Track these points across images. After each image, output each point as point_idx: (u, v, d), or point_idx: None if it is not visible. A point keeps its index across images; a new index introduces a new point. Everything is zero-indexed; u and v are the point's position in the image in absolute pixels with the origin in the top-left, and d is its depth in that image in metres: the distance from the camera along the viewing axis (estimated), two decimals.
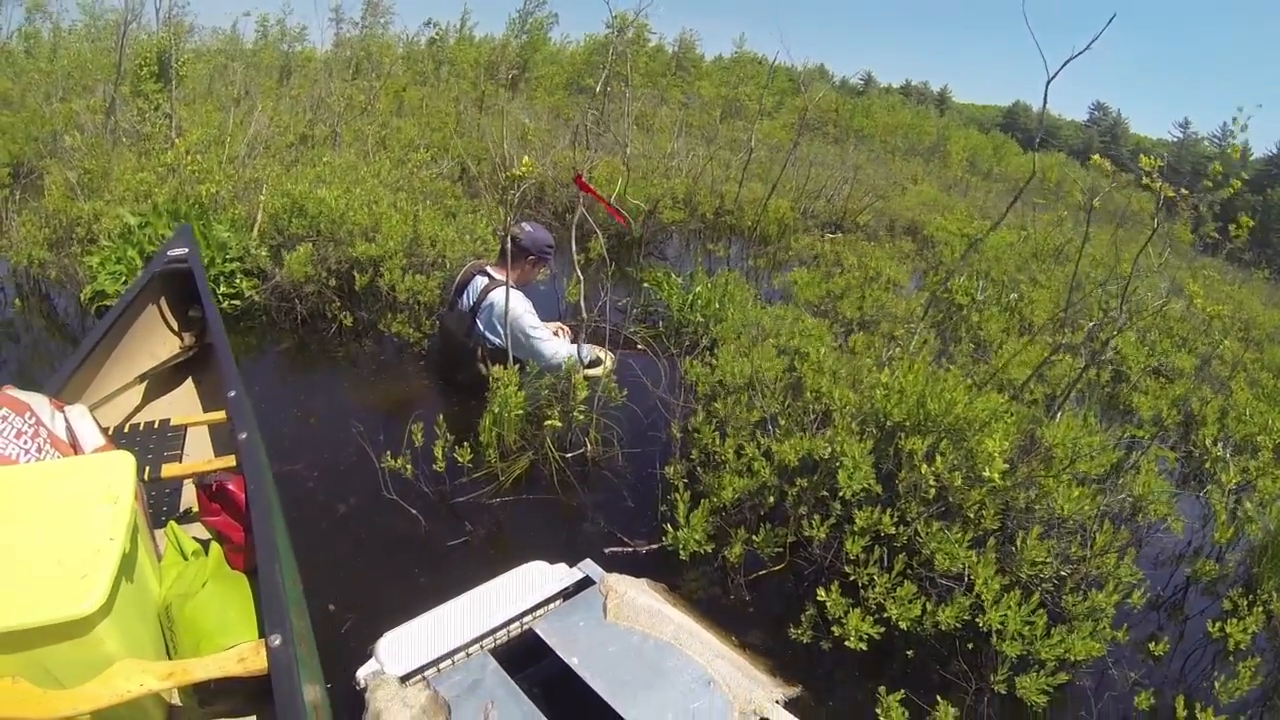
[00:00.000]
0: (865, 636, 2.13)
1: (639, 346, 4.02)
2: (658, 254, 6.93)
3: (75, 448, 1.91)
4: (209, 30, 13.75)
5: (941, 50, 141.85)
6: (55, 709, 1.30)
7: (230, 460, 2.16)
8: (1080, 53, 2.32)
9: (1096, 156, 3.08)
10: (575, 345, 3.50)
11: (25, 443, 1.77)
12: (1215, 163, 3.37)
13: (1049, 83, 2.42)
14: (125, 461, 1.61)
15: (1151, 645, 2.37)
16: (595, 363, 3.52)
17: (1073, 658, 2.10)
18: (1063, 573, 2.30)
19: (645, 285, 4.94)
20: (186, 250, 3.24)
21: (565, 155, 7.79)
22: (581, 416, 3.07)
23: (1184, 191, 2.75)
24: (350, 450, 2.98)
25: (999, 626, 2.09)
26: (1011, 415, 2.60)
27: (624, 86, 7.69)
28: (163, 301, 3.21)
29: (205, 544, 1.88)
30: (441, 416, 2.85)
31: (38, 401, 1.87)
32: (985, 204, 12.02)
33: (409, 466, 2.68)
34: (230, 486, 1.90)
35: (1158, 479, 2.74)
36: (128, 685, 1.35)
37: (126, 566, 1.42)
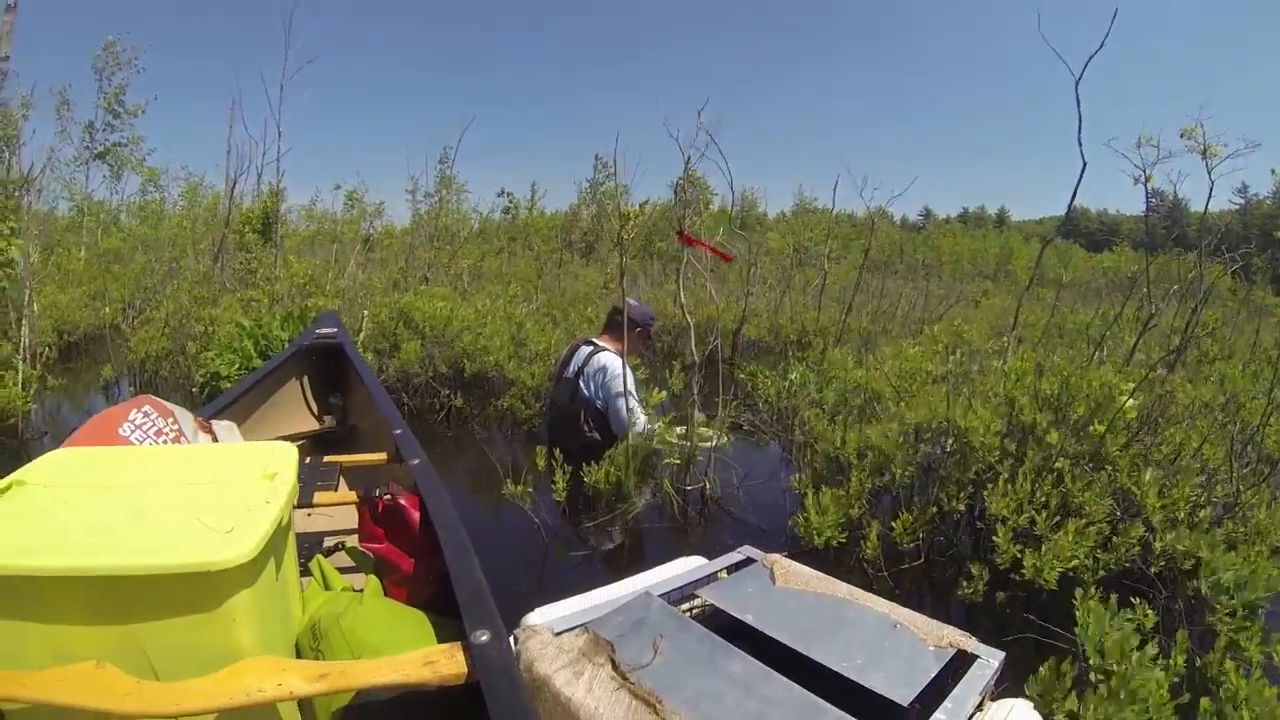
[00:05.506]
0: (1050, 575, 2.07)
1: (744, 428, 4.17)
2: None
3: None
4: (297, 210, 15.14)
5: (993, 170, 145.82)
6: (152, 702, 0.94)
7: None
8: (1097, 51, 2.65)
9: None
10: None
11: (164, 442, 1.69)
12: None
13: (1078, 82, 2.69)
14: (287, 449, 1.44)
15: None
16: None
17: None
18: (1215, 499, 2.22)
19: (741, 377, 5.15)
20: (335, 330, 3.32)
21: (647, 295, 8.34)
22: (700, 456, 3.18)
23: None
24: (472, 479, 3.18)
25: (1180, 548, 2.01)
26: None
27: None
28: (306, 380, 3.23)
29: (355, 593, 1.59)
30: (557, 466, 2.89)
31: (182, 414, 1.83)
32: (1058, 306, 11.97)
33: (530, 491, 2.75)
34: (402, 501, 1.68)
35: None
36: (260, 684, 0.99)
37: (276, 545, 1.17)
